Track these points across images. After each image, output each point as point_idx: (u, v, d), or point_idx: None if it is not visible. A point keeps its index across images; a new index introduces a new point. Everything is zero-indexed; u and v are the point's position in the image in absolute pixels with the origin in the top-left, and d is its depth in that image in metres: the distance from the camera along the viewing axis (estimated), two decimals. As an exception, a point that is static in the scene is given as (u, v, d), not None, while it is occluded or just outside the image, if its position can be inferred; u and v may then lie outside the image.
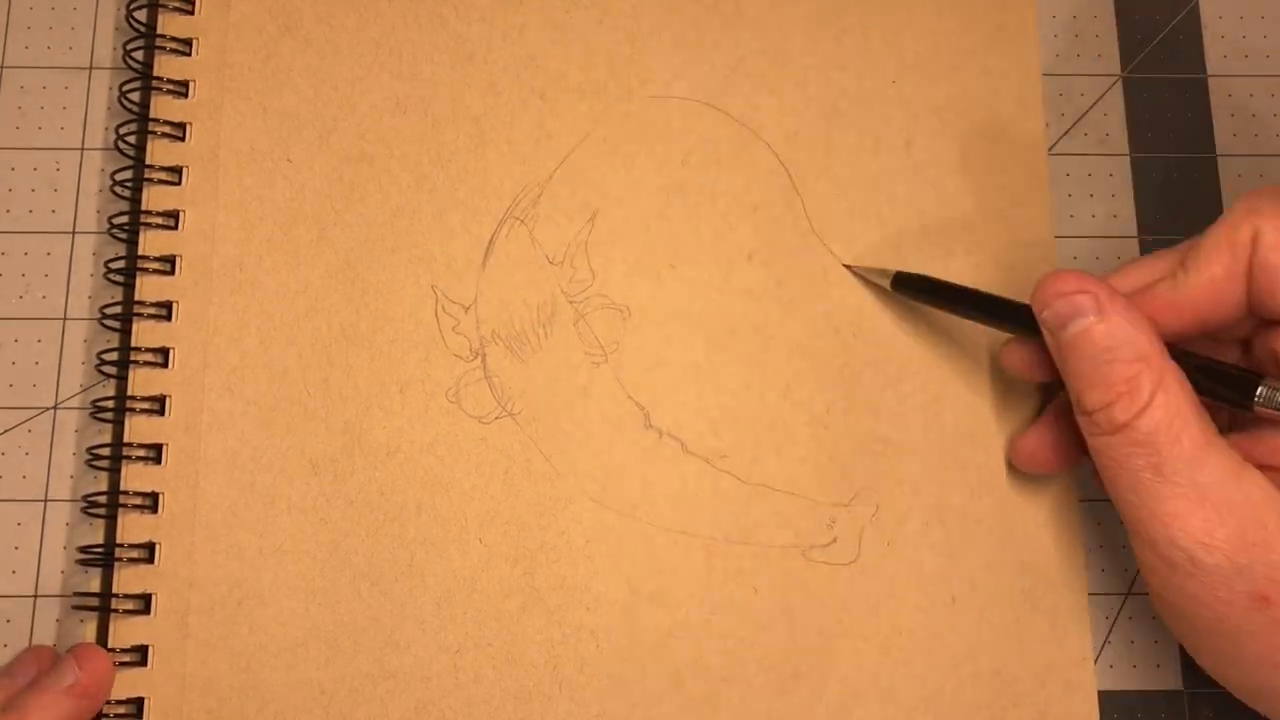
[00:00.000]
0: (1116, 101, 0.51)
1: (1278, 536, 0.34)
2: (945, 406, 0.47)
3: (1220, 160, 0.51)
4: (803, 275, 0.48)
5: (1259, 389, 0.35)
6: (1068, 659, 0.45)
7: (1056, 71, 0.52)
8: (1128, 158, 0.51)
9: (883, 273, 0.46)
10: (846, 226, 0.48)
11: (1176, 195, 0.51)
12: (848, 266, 0.47)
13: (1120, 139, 0.51)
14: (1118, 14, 0.53)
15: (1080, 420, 0.38)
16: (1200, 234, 0.39)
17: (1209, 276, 0.37)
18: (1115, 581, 0.47)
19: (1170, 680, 0.46)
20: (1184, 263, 0.38)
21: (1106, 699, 0.46)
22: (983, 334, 0.47)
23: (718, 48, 0.50)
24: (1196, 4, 0.53)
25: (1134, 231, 0.50)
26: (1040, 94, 0.50)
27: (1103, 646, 0.46)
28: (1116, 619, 0.46)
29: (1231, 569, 0.34)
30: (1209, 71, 0.52)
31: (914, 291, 0.46)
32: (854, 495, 0.46)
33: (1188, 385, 0.36)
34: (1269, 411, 0.35)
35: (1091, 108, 0.51)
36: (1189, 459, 0.35)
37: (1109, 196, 0.51)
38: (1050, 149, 0.51)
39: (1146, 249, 0.50)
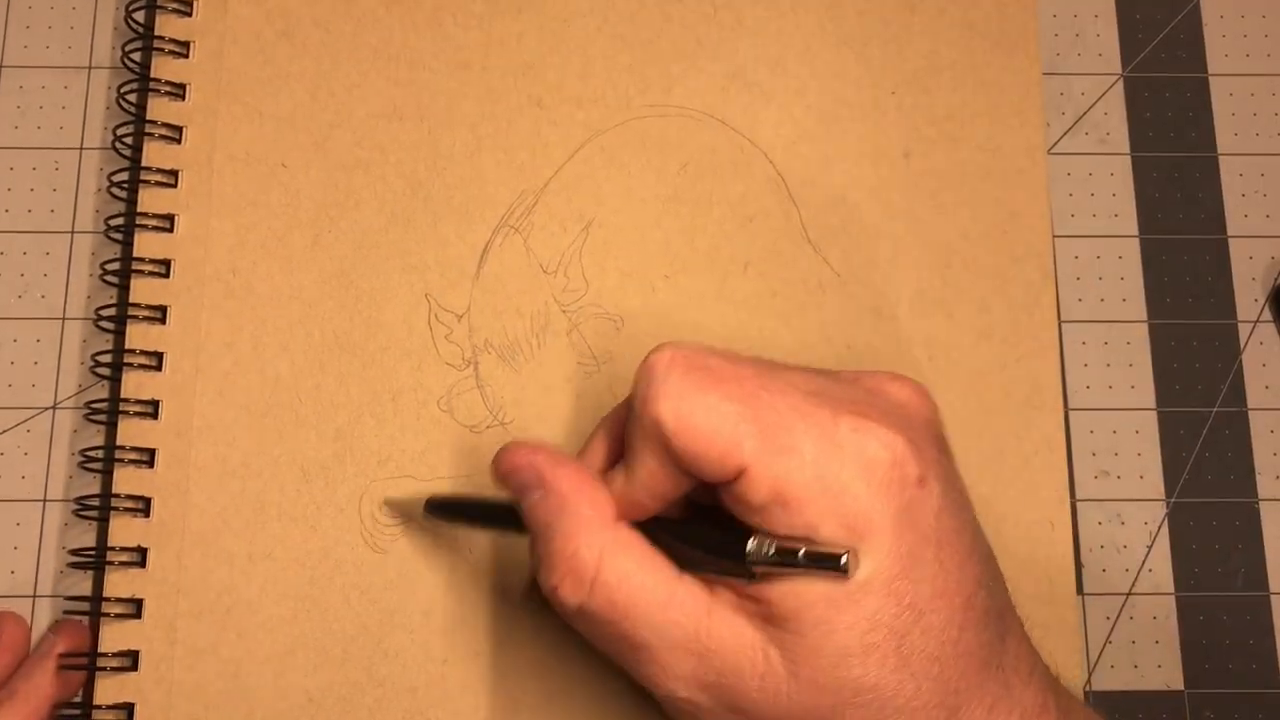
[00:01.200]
0: (1117, 101, 0.51)
1: (748, 682, 0.33)
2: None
3: (1220, 160, 0.51)
4: (799, 286, 0.48)
5: (751, 542, 0.33)
6: (1057, 668, 0.45)
7: (1056, 71, 0.52)
8: (1128, 157, 0.51)
9: (415, 502, 0.45)
10: (843, 237, 0.48)
11: (1176, 195, 0.50)
12: (386, 502, 0.46)
13: (1120, 139, 0.51)
14: (1118, 14, 0.52)
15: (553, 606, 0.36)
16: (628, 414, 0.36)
17: (647, 469, 0.35)
18: (1115, 581, 0.47)
19: (1170, 680, 0.46)
20: (626, 460, 0.36)
21: (1106, 699, 0.46)
22: (970, 348, 0.47)
23: (716, 57, 0.49)
24: (1196, 4, 0.52)
25: (1134, 231, 0.50)
26: (1041, 106, 0.49)
27: (1103, 647, 0.46)
28: (1117, 619, 0.46)
29: (727, 709, 0.34)
30: (1209, 71, 0.52)
31: (443, 513, 0.44)
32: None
33: (638, 545, 0.35)
34: (766, 568, 0.33)
35: (1091, 108, 0.51)
36: (653, 625, 0.34)
37: (1109, 196, 0.50)
38: (1050, 149, 0.51)
39: (1147, 249, 0.50)
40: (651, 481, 0.35)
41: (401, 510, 0.45)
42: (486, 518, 0.42)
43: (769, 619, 0.33)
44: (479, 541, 0.45)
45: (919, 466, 0.34)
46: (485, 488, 0.45)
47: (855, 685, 0.33)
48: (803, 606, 0.33)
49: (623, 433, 0.37)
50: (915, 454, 0.34)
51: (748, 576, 0.33)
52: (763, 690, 0.33)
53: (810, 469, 0.33)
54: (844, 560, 0.32)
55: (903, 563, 0.33)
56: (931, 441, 0.35)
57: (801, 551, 0.32)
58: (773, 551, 0.33)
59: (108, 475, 0.46)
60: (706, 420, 0.34)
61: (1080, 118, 0.51)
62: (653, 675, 0.35)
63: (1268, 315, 0.49)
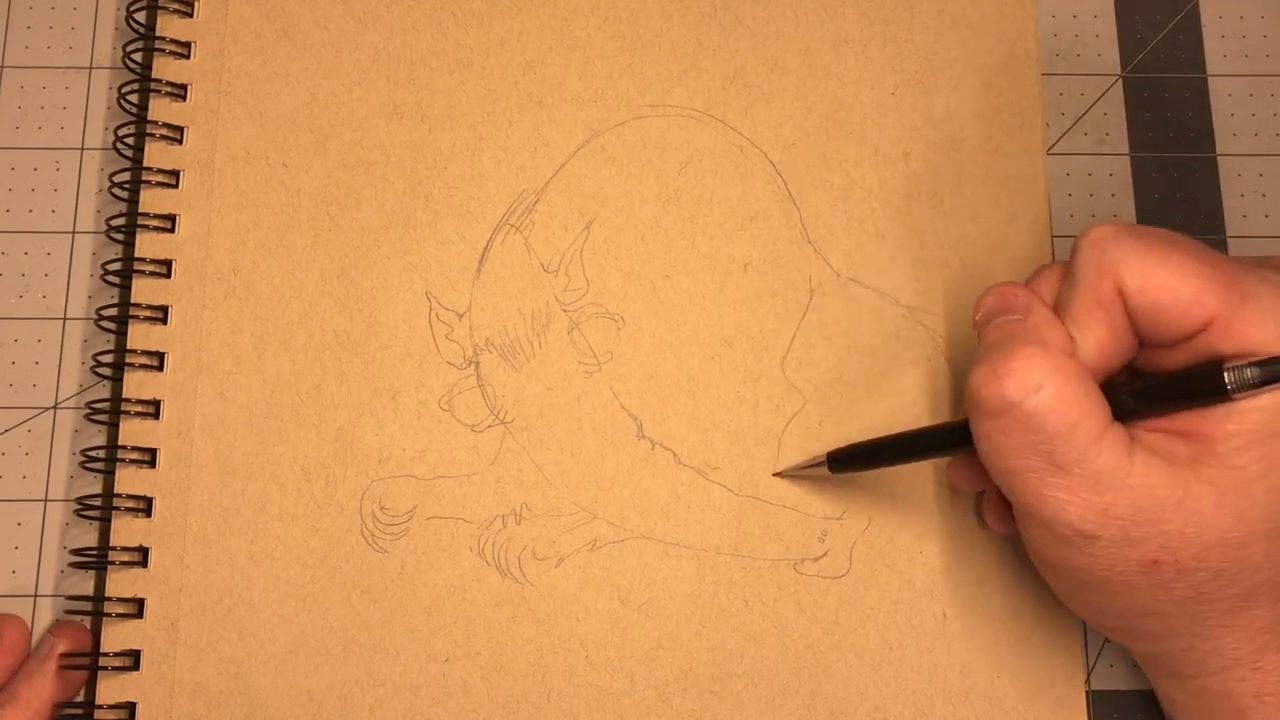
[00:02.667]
0: (1116, 101, 0.51)
1: (1167, 507, 0.35)
2: (939, 420, 0.47)
3: (1220, 160, 0.51)
4: (799, 286, 0.48)
5: (1225, 375, 0.35)
6: (1058, 676, 0.45)
7: (1056, 71, 0.52)
8: (1128, 157, 0.51)
9: (815, 462, 0.45)
10: (843, 238, 0.48)
11: (1176, 195, 0.50)
12: (778, 474, 0.46)
13: (1120, 139, 0.51)
14: (1118, 14, 0.52)
15: (977, 410, 0.37)
16: (1067, 279, 0.38)
17: (1096, 340, 0.37)
18: (1115, 590, 0.47)
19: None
20: (1071, 333, 0.37)
21: (1106, 699, 0.46)
22: (970, 348, 0.47)
23: (716, 57, 0.49)
24: (1196, 4, 0.53)
25: (1135, 232, 0.50)
26: (1041, 106, 0.49)
27: (1103, 646, 0.46)
28: (1118, 622, 0.46)
29: (1125, 542, 0.35)
30: (1209, 71, 0.52)
31: (853, 463, 0.44)
32: (846, 509, 0.46)
33: (1090, 383, 0.36)
34: (1245, 393, 0.35)
35: (1091, 108, 0.51)
36: (1083, 450, 0.35)
37: (1109, 196, 0.50)
38: (1050, 149, 0.51)
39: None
40: (1098, 352, 0.37)
41: (794, 469, 0.46)
42: (913, 446, 0.42)
43: (1200, 462, 0.35)
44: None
45: None
46: (486, 486, 0.46)
47: (1276, 515, 0.35)
48: (1244, 442, 0.35)
49: (1056, 306, 0.38)
50: None
51: (1220, 399, 0.35)
52: (1179, 521, 0.35)
53: (1271, 314, 0.35)
54: None
55: None
56: None
57: None
58: (1253, 371, 0.34)
59: (109, 475, 0.46)
60: (1169, 277, 0.35)
61: (1080, 118, 0.51)
62: (1054, 497, 0.35)
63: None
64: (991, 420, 0.36)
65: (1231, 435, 0.35)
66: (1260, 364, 0.34)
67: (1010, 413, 0.35)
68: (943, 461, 0.46)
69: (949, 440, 0.40)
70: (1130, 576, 0.36)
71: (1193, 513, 0.35)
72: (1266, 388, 0.34)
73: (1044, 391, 0.35)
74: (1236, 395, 0.34)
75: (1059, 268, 0.39)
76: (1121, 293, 0.36)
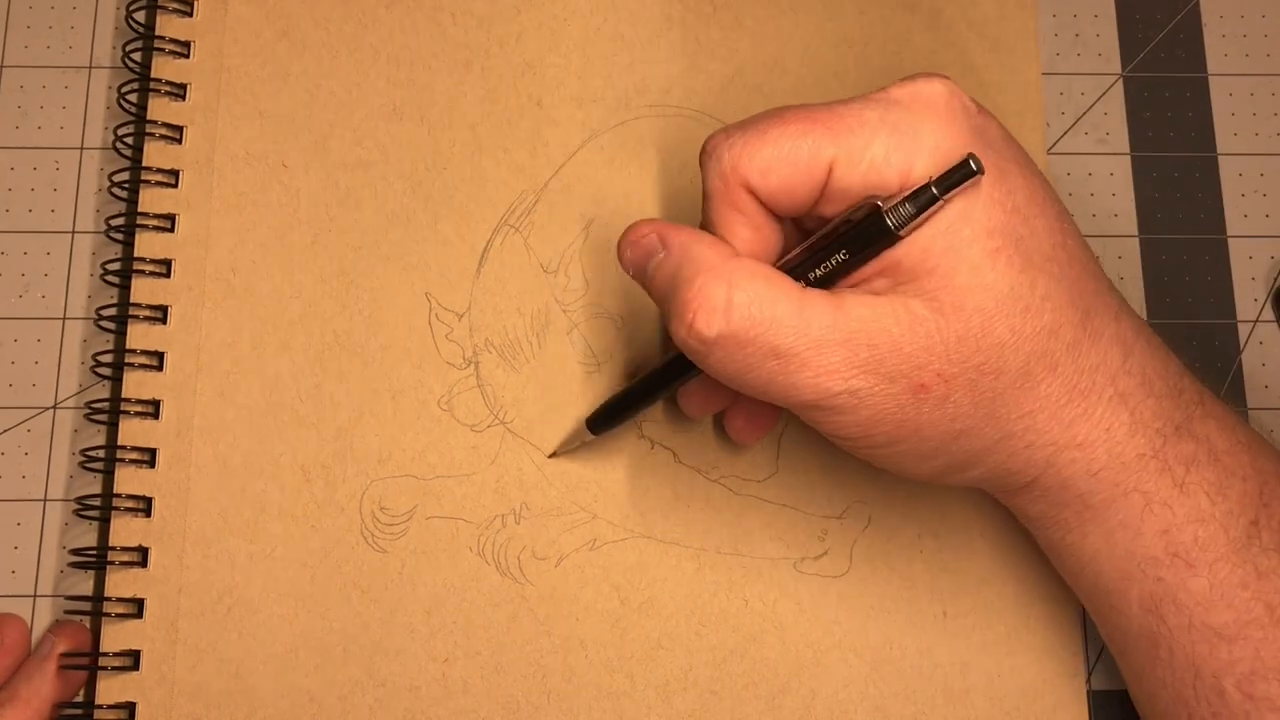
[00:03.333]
0: (1117, 101, 0.51)
1: (897, 332, 0.35)
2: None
3: (1220, 160, 0.51)
4: (799, 286, 0.48)
5: (887, 219, 0.35)
6: (1059, 675, 0.45)
7: (1056, 71, 0.52)
8: (1128, 157, 0.51)
9: (578, 431, 0.45)
10: (843, 237, 0.48)
11: (1176, 195, 0.50)
12: (553, 455, 0.46)
13: (1120, 139, 0.51)
14: (1118, 14, 0.52)
15: (689, 354, 0.37)
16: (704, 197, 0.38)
17: (743, 242, 0.37)
18: (1115, 589, 0.47)
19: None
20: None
21: (1106, 699, 0.46)
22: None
23: (715, 57, 0.49)
24: (1196, 4, 0.53)
25: (1134, 231, 0.50)
26: (1041, 106, 0.50)
27: (1103, 647, 0.46)
28: (1118, 623, 0.46)
29: (886, 379, 0.36)
30: (1209, 71, 0.52)
31: (609, 420, 0.44)
32: (846, 508, 0.46)
33: (761, 267, 0.36)
34: (911, 226, 0.35)
35: (1091, 107, 0.51)
36: (795, 327, 0.35)
37: (1109, 196, 0.50)
38: (1050, 149, 0.51)
39: (1147, 249, 0.50)
40: (749, 252, 0.37)
41: (564, 446, 0.46)
42: (654, 386, 0.42)
43: (901, 282, 0.36)
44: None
45: (970, 99, 0.37)
46: (485, 486, 0.46)
47: (993, 292, 0.35)
48: (928, 247, 0.35)
49: (703, 227, 0.39)
50: (961, 90, 0.37)
51: (891, 242, 0.35)
52: (914, 339, 0.35)
53: (883, 129, 0.35)
54: (970, 161, 0.34)
55: (993, 174, 0.35)
56: (970, 98, 0.38)
57: (930, 184, 0.34)
58: (907, 206, 0.34)
59: (109, 475, 0.46)
60: (778, 151, 0.36)
61: (1080, 118, 0.51)
62: (804, 381, 0.36)
63: (1268, 315, 0.49)
64: (709, 357, 0.36)
65: (915, 257, 0.35)
66: (911, 198, 0.34)
67: (717, 344, 0.35)
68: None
69: (687, 368, 0.40)
70: (913, 411, 0.36)
71: (919, 324, 0.35)
72: (926, 214, 0.34)
73: (733, 310, 0.35)
74: (904, 232, 0.35)
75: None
76: (749, 188, 0.36)
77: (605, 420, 0.44)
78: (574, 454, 0.46)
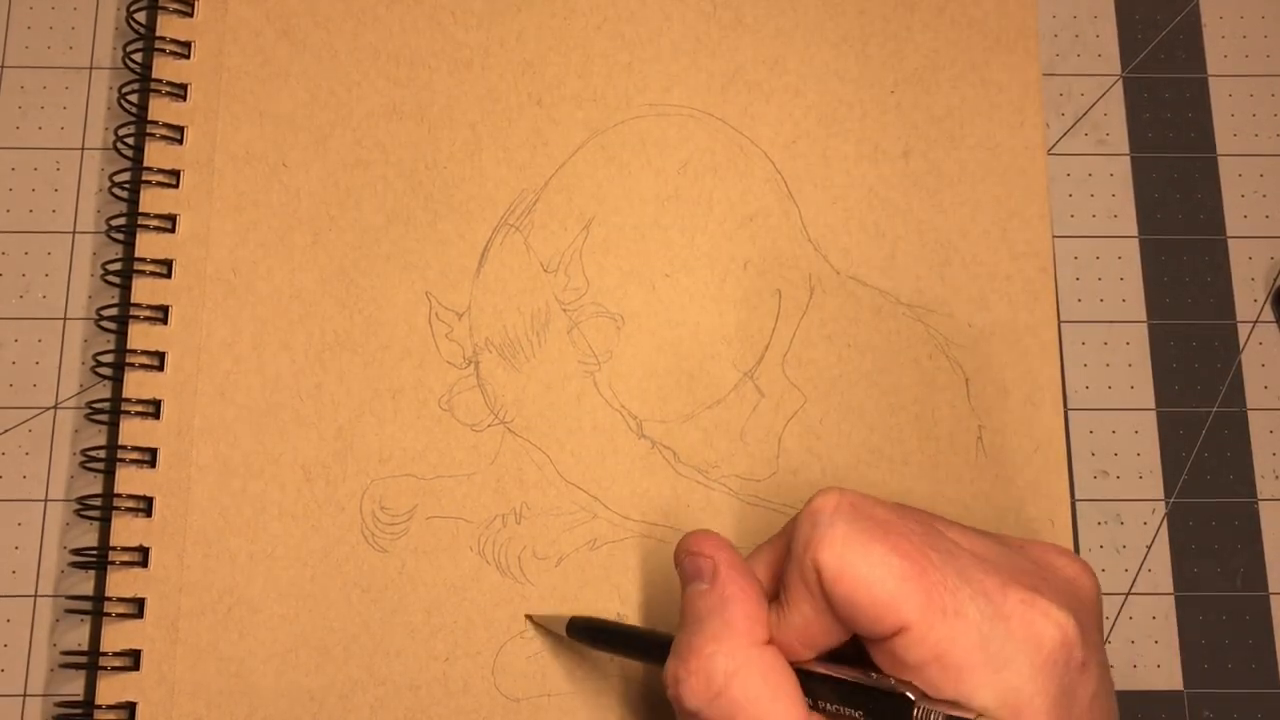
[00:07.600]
0: (1116, 101, 0.51)
1: None
2: (938, 419, 0.47)
3: (1220, 160, 0.51)
4: (799, 285, 0.48)
5: (915, 712, 0.33)
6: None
7: (1056, 71, 0.52)
8: (1128, 157, 0.51)
9: (559, 619, 0.44)
10: (843, 236, 0.48)
11: (1176, 195, 0.50)
12: (528, 617, 0.45)
13: (1120, 139, 0.51)
14: (1118, 14, 0.52)
15: (669, 694, 0.36)
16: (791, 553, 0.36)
17: (802, 615, 0.35)
18: (1115, 581, 0.47)
19: (1170, 680, 0.46)
20: (782, 600, 0.36)
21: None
22: (969, 347, 0.47)
23: (715, 56, 0.50)
24: (1196, 4, 0.53)
25: (1134, 231, 0.50)
26: (1040, 105, 0.50)
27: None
28: (1116, 619, 0.47)
29: None
30: (1209, 71, 0.52)
31: (588, 637, 0.43)
32: (846, 508, 0.46)
33: (778, 672, 0.34)
34: None
35: (1091, 108, 0.51)
36: None
37: (1109, 196, 0.50)
38: (1050, 149, 0.51)
39: (1146, 249, 0.50)
40: (804, 627, 0.35)
41: (545, 624, 0.45)
42: (632, 646, 0.42)
43: None
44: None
45: (1083, 651, 0.33)
46: (486, 486, 0.46)
47: None
48: None
49: (780, 570, 0.36)
50: (1082, 637, 0.33)
51: None
52: None
53: (975, 636, 0.32)
54: None
55: None
56: (1095, 625, 0.35)
57: None
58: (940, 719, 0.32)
59: (109, 475, 0.46)
60: (870, 572, 0.33)
61: (1080, 118, 0.51)
62: None
63: (1268, 315, 0.49)
64: (679, 714, 0.35)
65: None
66: (947, 712, 0.32)
67: (691, 714, 0.35)
68: (941, 469, 0.46)
69: (654, 651, 0.39)
70: None
71: None
72: None
73: (722, 699, 0.34)
74: None
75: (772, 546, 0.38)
76: (819, 579, 0.34)
77: (585, 634, 0.43)
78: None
